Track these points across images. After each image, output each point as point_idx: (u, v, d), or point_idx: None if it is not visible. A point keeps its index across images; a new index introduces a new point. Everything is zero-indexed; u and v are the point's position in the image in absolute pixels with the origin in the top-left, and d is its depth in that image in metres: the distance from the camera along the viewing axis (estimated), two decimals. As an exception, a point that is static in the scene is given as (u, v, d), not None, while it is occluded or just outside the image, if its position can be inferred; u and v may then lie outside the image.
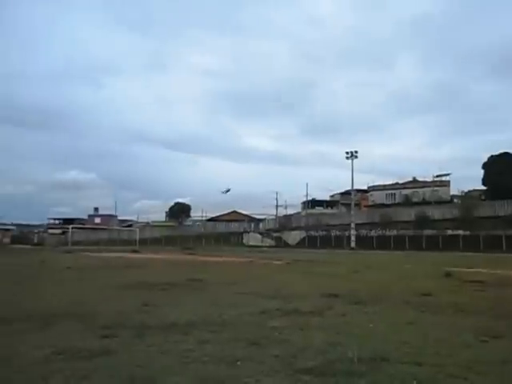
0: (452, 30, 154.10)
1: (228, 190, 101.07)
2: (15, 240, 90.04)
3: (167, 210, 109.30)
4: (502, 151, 75.74)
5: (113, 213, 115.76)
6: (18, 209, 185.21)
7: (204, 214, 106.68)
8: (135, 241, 68.23)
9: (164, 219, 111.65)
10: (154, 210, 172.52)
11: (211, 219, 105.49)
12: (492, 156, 76.38)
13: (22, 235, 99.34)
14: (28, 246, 68.03)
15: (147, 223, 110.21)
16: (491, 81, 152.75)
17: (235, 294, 11.32)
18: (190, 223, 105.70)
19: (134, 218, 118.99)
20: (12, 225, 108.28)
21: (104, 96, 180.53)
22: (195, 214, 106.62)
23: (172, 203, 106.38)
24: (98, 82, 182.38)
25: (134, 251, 45.94)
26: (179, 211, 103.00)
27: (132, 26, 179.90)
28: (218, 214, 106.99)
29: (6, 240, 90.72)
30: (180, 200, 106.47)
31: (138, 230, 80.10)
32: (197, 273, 17.00)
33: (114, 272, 18.64)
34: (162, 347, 5.67)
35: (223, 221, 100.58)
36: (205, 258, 32.34)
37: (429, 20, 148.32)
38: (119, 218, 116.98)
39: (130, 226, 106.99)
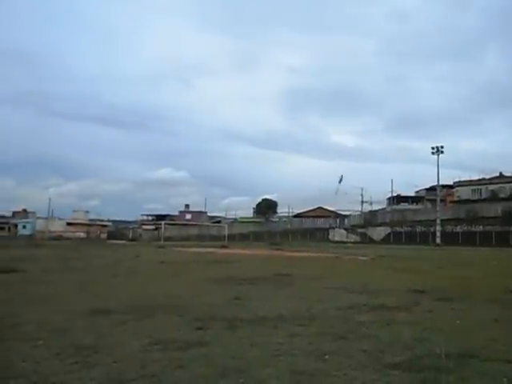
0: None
1: (341, 179, 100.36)
2: (111, 235, 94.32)
3: (254, 206, 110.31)
4: None
5: (202, 209, 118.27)
6: (113, 205, 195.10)
7: (290, 210, 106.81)
8: (224, 236, 69.26)
9: (251, 215, 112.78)
10: (242, 207, 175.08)
11: (297, 215, 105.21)
12: None
13: (118, 231, 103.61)
14: (123, 241, 70.89)
15: (235, 219, 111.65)
16: None
17: (322, 288, 11.36)
18: (277, 219, 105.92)
19: (222, 214, 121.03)
20: (108, 221, 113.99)
21: (194, 95, 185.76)
22: (282, 210, 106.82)
23: (259, 200, 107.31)
24: (189, 82, 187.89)
25: (223, 246, 46.81)
26: (266, 207, 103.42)
27: (221, 27, 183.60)
28: (304, 210, 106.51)
29: (103, 235, 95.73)
30: (267, 196, 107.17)
31: (226, 225, 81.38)
32: (284, 268, 17.15)
33: (205, 266, 19.18)
34: (253, 339, 5.82)
35: (309, 217, 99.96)
36: (291, 254, 32.49)
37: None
38: (208, 214, 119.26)
39: (218, 222, 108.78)
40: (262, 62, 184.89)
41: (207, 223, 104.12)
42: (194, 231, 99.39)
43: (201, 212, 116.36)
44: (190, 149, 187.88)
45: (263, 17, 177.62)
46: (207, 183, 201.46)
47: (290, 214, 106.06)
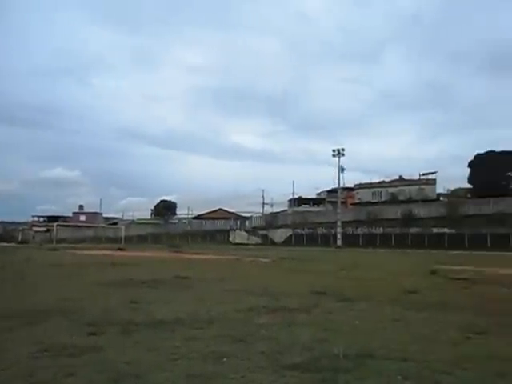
0: (442, 27, 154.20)
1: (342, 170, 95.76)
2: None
3: (153, 207, 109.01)
4: (488, 150, 76.68)
5: (98, 210, 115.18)
6: (2, 206, 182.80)
7: (190, 212, 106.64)
8: (121, 238, 67.50)
9: (150, 217, 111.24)
10: (140, 208, 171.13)
11: (197, 217, 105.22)
12: (478, 154, 77.11)
13: (6, 232, 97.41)
14: (12, 244, 66.88)
15: (132, 221, 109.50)
16: (479, 79, 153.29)
17: (222, 291, 11.35)
18: (176, 221, 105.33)
19: (119, 215, 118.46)
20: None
21: (91, 92, 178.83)
22: (181, 212, 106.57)
23: (158, 201, 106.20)
24: (85, 79, 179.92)
25: (120, 249, 45.59)
26: (165, 209, 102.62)
27: (119, 22, 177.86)
28: (204, 212, 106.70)
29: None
30: (166, 198, 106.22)
31: (123, 227, 79.09)
32: (184, 270, 16.98)
33: (100, 269, 18.53)
34: (150, 344, 5.67)
35: (209, 219, 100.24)
36: (191, 256, 32.30)
37: (419, 17, 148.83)
38: (104, 215, 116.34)
39: (115, 223, 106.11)
40: (163, 59, 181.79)
41: (103, 225, 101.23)
42: (89, 233, 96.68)
43: (96, 213, 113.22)
44: (86, 148, 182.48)
45: (164, 13, 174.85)
46: (104, 183, 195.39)
47: (190, 216, 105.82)
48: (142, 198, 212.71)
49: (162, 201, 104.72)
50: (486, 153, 75.94)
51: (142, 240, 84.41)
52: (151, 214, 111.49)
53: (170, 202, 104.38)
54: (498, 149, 75.96)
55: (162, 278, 14.14)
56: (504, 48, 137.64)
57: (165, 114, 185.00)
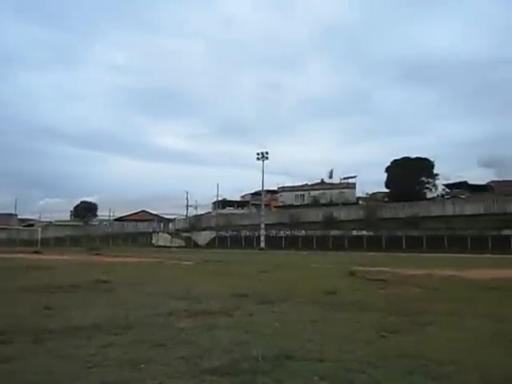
0: (362, 37, 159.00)
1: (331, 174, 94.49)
2: None
3: (72, 209, 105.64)
4: (403, 156, 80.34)
5: (12, 211, 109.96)
6: None
7: (111, 214, 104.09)
8: (37, 241, 64.98)
9: (69, 218, 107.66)
10: (59, 209, 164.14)
11: (119, 219, 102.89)
12: (394, 160, 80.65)
13: None
14: None
15: (50, 222, 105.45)
16: (397, 89, 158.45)
17: (143, 295, 11.14)
18: (97, 223, 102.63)
19: (36, 217, 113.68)
20: None
21: (7, 88, 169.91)
22: (102, 214, 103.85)
23: (78, 202, 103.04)
24: (1, 73, 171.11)
25: (36, 252, 43.85)
26: (85, 210, 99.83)
27: (39, 16, 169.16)
28: (126, 214, 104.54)
29: None
30: (86, 199, 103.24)
31: (39, 229, 76.01)
32: (103, 274, 16.48)
33: (12, 274, 17.59)
34: (63, 352, 5.44)
35: (132, 220, 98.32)
36: (112, 259, 31.50)
37: (340, 27, 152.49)
38: (19, 217, 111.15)
39: (31, 225, 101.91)
40: (85, 58, 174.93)
41: (17, 226, 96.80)
42: (1, 235, 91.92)
43: (10, 214, 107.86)
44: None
45: (87, 11, 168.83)
46: (19, 184, 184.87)
47: (111, 218, 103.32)
48: (61, 199, 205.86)
49: (82, 202, 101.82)
50: (402, 159, 79.74)
51: (60, 242, 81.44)
52: (70, 215, 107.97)
53: (90, 203, 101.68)
54: (412, 155, 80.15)
55: (81, 282, 13.64)
56: (419, 59, 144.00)
57: (86, 113, 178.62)
